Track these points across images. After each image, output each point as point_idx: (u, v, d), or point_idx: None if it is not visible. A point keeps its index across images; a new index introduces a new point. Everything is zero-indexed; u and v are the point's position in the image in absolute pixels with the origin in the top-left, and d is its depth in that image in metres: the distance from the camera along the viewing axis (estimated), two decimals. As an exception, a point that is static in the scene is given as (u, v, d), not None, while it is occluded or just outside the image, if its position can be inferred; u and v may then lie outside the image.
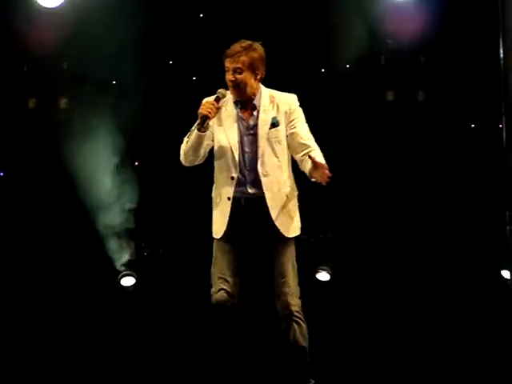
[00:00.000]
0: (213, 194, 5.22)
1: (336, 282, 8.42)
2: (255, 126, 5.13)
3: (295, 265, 5.17)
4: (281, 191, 5.11)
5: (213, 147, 5.15)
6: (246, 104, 5.15)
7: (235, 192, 5.10)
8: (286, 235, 5.10)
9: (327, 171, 4.84)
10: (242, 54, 5.04)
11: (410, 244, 8.33)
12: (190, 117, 5.07)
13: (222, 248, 5.13)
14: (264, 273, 5.16)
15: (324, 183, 4.87)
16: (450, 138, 8.43)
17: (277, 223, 5.07)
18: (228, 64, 5.07)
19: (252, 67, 5.06)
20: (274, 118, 5.13)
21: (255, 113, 5.14)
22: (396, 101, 8.65)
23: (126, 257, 8.35)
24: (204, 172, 5.29)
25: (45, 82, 8.40)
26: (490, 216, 8.24)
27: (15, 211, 8.42)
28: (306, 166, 5.00)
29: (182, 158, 5.14)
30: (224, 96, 5.10)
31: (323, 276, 8.47)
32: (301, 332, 5.09)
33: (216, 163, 5.19)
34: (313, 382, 5.15)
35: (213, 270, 5.14)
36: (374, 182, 8.35)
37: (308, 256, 8.50)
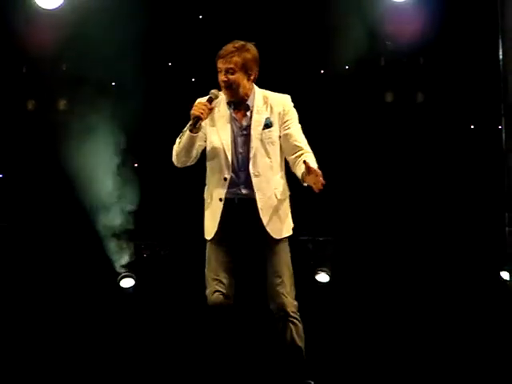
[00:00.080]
0: (205, 195, 5.21)
1: (335, 284, 8.42)
2: (248, 126, 5.10)
3: (290, 265, 5.15)
4: (272, 192, 5.09)
5: (205, 148, 5.14)
6: (239, 105, 5.12)
7: (228, 193, 5.08)
8: (278, 238, 5.09)
9: (321, 178, 4.81)
10: (235, 55, 5.01)
11: (409, 245, 8.33)
12: (189, 118, 5.07)
13: (214, 249, 5.12)
14: (258, 273, 5.14)
15: (317, 190, 4.83)
16: (450, 140, 8.42)
17: (268, 228, 5.05)
18: (220, 65, 5.05)
19: (245, 68, 5.04)
20: (267, 119, 5.11)
21: (248, 113, 5.11)
22: (395, 102, 8.65)
23: (125, 258, 8.35)
24: (203, 173, 5.28)
25: (44, 83, 8.40)
26: (490, 217, 8.24)
27: (15, 213, 8.40)
28: (299, 170, 4.97)
29: (174, 158, 5.12)
30: (217, 97, 5.08)
31: (322, 277, 8.47)
32: (297, 332, 5.07)
33: (208, 164, 5.17)
34: (312, 383, 5.14)
35: (207, 271, 5.13)
36: (373, 183, 8.34)
37: (308, 258, 8.51)
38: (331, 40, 7.97)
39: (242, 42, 5.07)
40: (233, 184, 5.08)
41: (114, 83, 8.34)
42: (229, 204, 5.08)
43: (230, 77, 5.03)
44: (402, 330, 7.48)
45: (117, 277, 8.32)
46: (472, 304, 7.91)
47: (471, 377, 6.19)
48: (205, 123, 5.06)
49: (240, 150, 5.10)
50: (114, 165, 8.11)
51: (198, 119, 4.96)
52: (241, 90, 5.07)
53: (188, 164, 5.12)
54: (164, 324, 7.68)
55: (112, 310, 8.04)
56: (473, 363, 6.45)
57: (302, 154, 5.03)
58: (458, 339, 7.14)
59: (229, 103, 5.12)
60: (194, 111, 4.97)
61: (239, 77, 5.04)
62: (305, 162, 4.84)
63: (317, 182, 4.80)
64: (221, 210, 5.07)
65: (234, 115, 5.12)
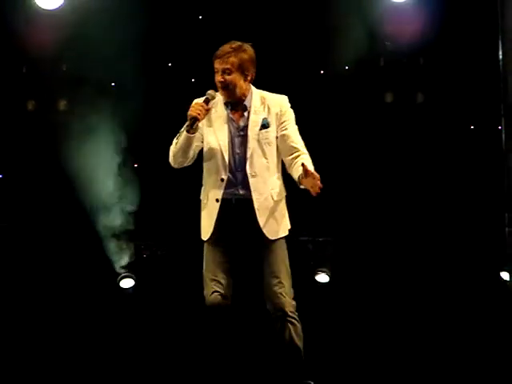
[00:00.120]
0: (201, 196, 5.21)
1: (335, 284, 8.42)
2: (245, 127, 5.10)
3: (288, 265, 5.14)
4: (269, 193, 5.09)
5: (202, 149, 5.14)
6: (236, 105, 5.12)
7: (225, 194, 5.08)
8: (272, 238, 5.09)
9: (319, 182, 4.80)
10: (232, 55, 5.01)
11: (409, 246, 8.33)
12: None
13: (211, 250, 5.12)
14: (256, 273, 5.14)
15: (314, 194, 4.82)
16: (450, 140, 8.42)
17: (264, 229, 5.05)
18: (217, 65, 5.05)
19: (241, 68, 5.03)
20: (264, 119, 5.10)
21: (246, 114, 5.11)
22: (395, 103, 8.64)
23: (125, 259, 8.35)
24: (202, 174, 5.28)
25: (44, 83, 8.40)
26: (490, 218, 8.24)
27: (15, 213, 8.40)
28: (295, 172, 4.98)
29: (170, 159, 5.12)
30: (213, 97, 5.07)
31: (322, 278, 8.47)
32: (296, 332, 5.07)
33: (205, 165, 5.17)
34: (312, 383, 5.14)
35: (204, 272, 5.13)
36: (373, 184, 8.34)
37: (307, 258, 8.51)
38: (331, 40, 7.97)
39: (239, 43, 5.07)
40: (230, 184, 5.08)
41: (113, 84, 8.34)
42: (226, 204, 5.08)
43: (227, 77, 5.03)
44: (402, 330, 7.48)
45: (117, 277, 8.32)
46: (472, 304, 7.91)
47: (471, 377, 6.19)
48: (202, 124, 5.06)
49: (237, 151, 5.10)
50: (113, 165, 8.11)
51: (195, 120, 4.96)
52: (237, 91, 5.06)
53: (185, 165, 5.12)
54: (164, 324, 7.68)
55: (112, 310, 8.04)
56: (473, 363, 6.45)
57: (298, 156, 5.03)
58: (458, 339, 7.14)
59: (226, 104, 5.12)
60: (191, 112, 4.97)
61: (236, 77, 5.04)
62: (303, 164, 4.84)
63: (314, 185, 4.80)
64: (217, 210, 5.07)
65: (231, 116, 5.12)
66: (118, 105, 8.02)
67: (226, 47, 5.05)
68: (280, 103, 5.16)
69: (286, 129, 5.11)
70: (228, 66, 5.01)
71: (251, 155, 5.07)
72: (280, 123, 5.11)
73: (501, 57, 7.83)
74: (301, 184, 4.91)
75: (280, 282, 5.06)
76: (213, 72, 5.09)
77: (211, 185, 5.12)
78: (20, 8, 8.02)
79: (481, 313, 7.74)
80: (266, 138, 5.09)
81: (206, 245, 5.15)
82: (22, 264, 8.21)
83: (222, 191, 5.07)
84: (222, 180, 5.07)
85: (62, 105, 8.46)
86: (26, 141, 8.35)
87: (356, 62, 8.17)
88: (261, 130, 5.08)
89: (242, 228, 5.08)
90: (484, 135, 8.43)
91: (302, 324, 5.12)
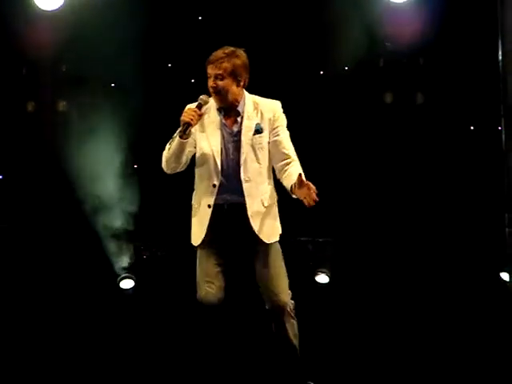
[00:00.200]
0: (193, 201, 5.21)
1: (335, 285, 8.42)
2: (239, 132, 5.10)
3: (284, 266, 5.16)
4: (260, 198, 5.09)
5: (195, 154, 5.14)
6: (229, 111, 5.13)
7: (217, 199, 5.08)
8: (267, 242, 5.09)
9: (314, 194, 4.78)
10: (224, 61, 5.02)
11: (409, 246, 8.32)
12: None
13: (204, 254, 5.13)
14: (252, 275, 5.15)
15: (307, 205, 4.81)
16: (450, 141, 8.42)
17: (259, 234, 5.06)
18: (210, 70, 5.05)
19: (234, 74, 5.04)
20: (257, 125, 5.11)
21: (239, 119, 5.12)
22: (395, 103, 8.64)
23: (125, 260, 8.35)
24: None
25: (44, 84, 8.40)
26: (490, 218, 8.24)
27: (15, 214, 8.40)
28: (287, 180, 4.98)
29: (163, 164, 5.13)
30: (206, 102, 5.08)
31: (322, 279, 8.47)
32: (293, 331, 5.11)
33: (197, 170, 5.17)
34: None
35: (198, 275, 5.15)
36: (373, 184, 8.34)
37: (307, 259, 8.51)
38: (330, 41, 7.97)
39: (232, 48, 5.08)
40: (222, 190, 5.09)
41: (113, 84, 8.34)
42: (217, 210, 5.09)
43: (219, 83, 5.03)
44: (402, 330, 7.48)
45: (116, 278, 8.32)
46: (472, 305, 7.91)
47: (471, 377, 6.19)
48: (194, 129, 5.06)
49: (231, 156, 5.10)
50: (113, 166, 8.11)
51: (188, 125, 4.96)
52: (230, 96, 5.07)
53: (178, 170, 5.13)
54: (164, 325, 7.68)
55: (112, 311, 8.04)
56: (473, 364, 6.45)
57: (289, 163, 5.05)
58: (458, 340, 7.14)
59: (219, 109, 5.13)
60: (184, 117, 4.97)
61: (228, 83, 5.04)
62: (300, 174, 4.84)
63: (308, 196, 4.78)
64: (209, 216, 5.08)
65: (224, 121, 5.13)
66: (118, 106, 8.02)
67: (219, 52, 5.05)
68: (273, 108, 5.16)
69: (278, 134, 5.11)
70: (220, 72, 5.02)
71: (245, 160, 5.07)
72: (272, 129, 5.12)
73: (500, 57, 7.84)
74: (293, 193, 4.91)
75: (278, 283, 5.08)
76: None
77: (203, 190, 5.13)
78: (20, 9, 8.02)
79: (481, 313, 7.74)
80: (260, 143, 5.10)
81: (198, 250, 5.17)
82: (22, 265, 8.21)
83: (213, 197, 5.08)
84: (214, 186, 5.08)
85: (62, 106, 8.46)
86: (26, 142, 8.35)
87: (356, 62, 8.17)
88: (254, 135, 5.09)
89: (235, 232, 5.09)
90: (484, 136, 8.42)
91: (301, 325, 5.14)
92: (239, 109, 5.12)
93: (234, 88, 5.07)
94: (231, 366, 5.35)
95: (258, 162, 5.10)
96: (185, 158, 5.08)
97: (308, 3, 8.13)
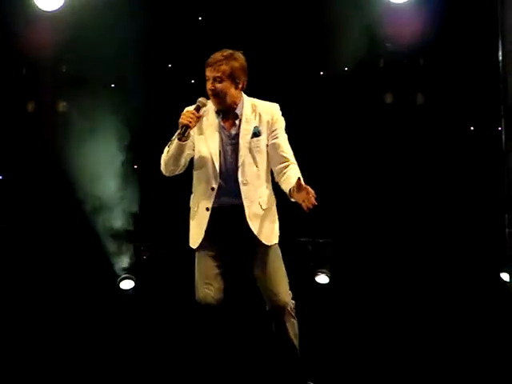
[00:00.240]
0: (191, 204, 5.21)
1: (335, 285, 8.42)
2: (237, 135, 5.10)
3: (283, 266, 5.16)
4: (257, 201, 5.09)
5: (193, 157, 5.14)
6: (227, 113, 5.12)
7: (215, 202, 5.08)
8: (266, 243, 5.09)
9: (313, 199, 4.78)
10: (223, 63, 5.01)
11: (409, 247, 8.32)
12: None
13: (203, 256, 5.12)
14: (252, 277, 5.15)
15: (306, 209, 4.80)
16: (450, 141, 8.41)
17: (258, 236, 5.05)
18: (208, 73, 5.05)
19: (232, 76, 5.03)
20: (255, 128, 5.10)
21: (237, 122, 5.11)
22: (395, 104, 8.64)
23: (125, 260, 8.34)
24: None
25: (44, 84, 8.40)
26: (490, 219, 8.24)
27: (14, 215, 8.40)
28: (285, 183, 4.98)
29: (162, 167, 5.12)
30: (204, 105, 5.08)
31: (322, 279, 8.47)
32: (293, 331, 5.11)
33: (195, 173, 5.17)
34: (311, 384, 5.17)
35: (196, 276, 5.14)
36: (373, 185, 8.34)
37: (307, 259, 8.51)
38: (331, 41, 7.97)
39: (231, 51, 5.08)
40: (220, 193, 5.09)
41: (113, 85, 8.34)
42: (216, 213, 5.08)
43: (217, 85, 5.03)
44: (402, 331, 7.48)
45: (116, 279, 8.31)
46: (472, 306, 7.91)
47: (471, 378, 6.19)
48: (193, 132, 5.06)
49: (229, 159, 5.10)
50: (113, 167, 8.11)
51: (187, 128, 4.96)
52: (228, 99, 5.07)
53: (176, 173, 5.12)
54: (164, 326, 7.68)
55: (112, 311, 8.04)
56: (473, 364, 6.46)
57: (288, 166, 5.06)
58: (459, 341, 7.14)
59: (217, 112, 5.13)
60: (182, 120, 4.97)
61: (226, 85, 5.04)
62: (299, 178, 4.83)
63: (307, 200, 4.78)
64: (207, 219, 5.08)
65: (222, 124, 5.13)
66: (118, 106, 8.02)
67: (218, 55, 5.05)
68: (271, 111, 5.16)
69: (276, 137, 5.11)
70: (219, 74, 5.02)
71: (243, 163, 5.07)
72: (271, 131, 5.12)
73: (500, 58, 7.85)
74: (291, 197, 4.90)
75: (277, 284, 5.08)
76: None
77: (201, 193, 5.12)
78: (20, 9, 8.02)
79: (481, 314, 7.74)
80: (257, 147, 5.10)
81: (196, 253, 5.17)
82: (22, 265, 8.21)
83: (212, 200, 5.08)
84: (213, 189, 5.08)
85: (62, 106, 8.46)
86: (26, 142, 8.35)
87: (356, 62, 8.17)
88: (252, 138, 5.09)
89: (233, 234, 5.09)
90: (484, 136, 8.42)
91: (301, 325, 5.14)
92: (237, 111, 5.12)
93: (232, 90, 5.06)
94: (230, 366, 5.34)
95: (256, 165, 5.10)
96: (183, 161, 5.07)
97: (308, 4, 8.13)
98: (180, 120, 4.98)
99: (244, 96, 5.16)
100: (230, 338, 5.31)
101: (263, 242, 5.07)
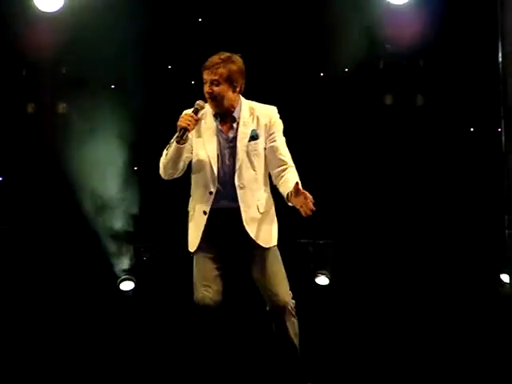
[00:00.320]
0: (189, 208, 5.21)
1: (335, 287, 8.42)
2: (234, 138, 5.09)
3: (282, 266, 5.15)
4: (255, 204, 5.09)
5: (191, 160, 5.14)
6: (225, 116, 5.11)
7: (213, 206, 5.07)
8: (264, 246, 5.09)
9: (311, 204, 4.76)
10: (220, 66, 5.00)
11: (409, 248, 8.32)
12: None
13: (201, 258, 5.12)
14: (250, 278, 5.15)
15: (304, 215, 4.79)
16: (450, 142, 8.42)
17: (256, 239, 5.05)
18: (206, 76, 5.04)
19: (230, 79, 5.02)
20: (253, 131, 5.10)
21: (235, 125, 5.11)
22: (395, 105, 8.64)
23: (125, 261, 8.34)
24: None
25: (44, 86, 8.40)
26: (490, 220, 8.24)
27: (15, 216, 8.40)
28: (283, 187, 4.97)
29: (161, 171, 5.12)
30: (202, 107, 5.07)
31: (322, 280, 8.47)
32: (293, 330, 5.11)
33: (193, 177, 5.16)
34: (310, 385, 5.17)
35: (195, 278, 5.13)
36: (373, 186, 8.35)
37: (308, 260, 8.51)
38: (331, 43, 7.97)
39: (228, 54, 5.07)
40: (218, 197, 5.08)
41: (113, 86, 8.34)
42: (213, 215, 5.07)
43: (215, 88, 5.02)
44: (402, 332, 7.48)
45: (116, 280, 8.31)
46: (472, 307, 7.91)
47: (471, 378, 6.19)
48: (191, 135, 5.05)
49: (227, 163, 5.10)
50: (113, 168, 8.12)
51: (185, 130, 4.95)
52: (225, 102, 5.06)
53: (175, 176, 5.11)
54: (163, 327, 7.68)
55: (112, 313, 8.04)
56: (473, 366, 6.45)
57: (286, 169, 5.05)
58: (459, 342, 7.14)
59: (215, 115, 5.12)
60: (181, 123, 4.97)
61: (224, 88, 5.03)
62: (297, 183, 4.83)
63: (305, 205, 4.77)
64: (204, 223, 5.07)
65: (220, 127, 5.12)
66: (118, 107, 8.02)
67: (215, 58, 5.05)
68: (269, 114, 5.15)
69: (274, 140, 5.10)
70: (216, 77, 5.01)
71: (240, 167, 5.06)
72: (269, 134, 5.11)
73: (500, 59, 7.85)
74: (289, 201, 4.91)
75: (277, 284, 5.07)
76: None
77: (199, 197, 5.12)
78: (20, 11, 8.02)
79: (481, 315, 7.74)
80: (255, 150, 5.09)
81: (194, 256, 5.16)
82: (22, 267, 8.21)
83: (210, 204, 5.07)
84: (211, 193, 5.08)
85: (62, 108, 8.46)
86: (26, 144, 8.35)
87: (356, 64, 8.18)
88: (250, 141, 5.08)
89: (231, 237, 5.09)
90: (484, 137, 8.42)
91: (301, 326, 5.15)
92: (235, 114, 5.11)
93: (229, 94, 5.06)
94: (229, 367, 5.34)
95: (254, 169, 5.09)
96: (182, 164, 5.07)
97: (308, 5, 8.13)
98: (178, 123, 4.98)
99: (242, 99, 5.16)
100: (229, 340, 5.31)
101: (261, 244, 5.07)
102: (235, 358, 5.49)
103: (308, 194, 4.78)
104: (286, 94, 7.48)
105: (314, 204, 4.74)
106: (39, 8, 7.97)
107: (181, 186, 5.38)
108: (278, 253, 5.14)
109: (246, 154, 5.07)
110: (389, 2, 8.16)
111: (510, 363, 6.39)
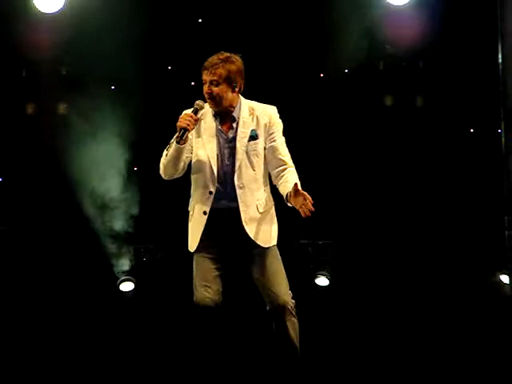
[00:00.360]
0: (189, 208, 5.21)
1: (335, 288, 8.42)
2: (234, 138, 5.10)
3: (282, 266, 5.15)
4: (255, 204, 5.09)
5: (191, 160, 5.14)
6: (225, 116, 5.12)
7: (213, 206, 5.08)
8: (264, 246, 5.10)
9: (310, 205, 4.76)
10: (219, 67, 5.01)
11: (409, 249, 8.33)
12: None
13: (201, 259, 5.12)
14: (250, 278, 5.15)
15: (303, 215, 4.79)
16: (449, 143, 8.42)
17: (255, 239, 5.06)
18: (205, 76, 5.05)
19: (229, 79, 5.03)
20: (253, 131, 5.11)
21: (234, 125, 5.12)
22: (395, 106, 8.65)
23: (125, 262, 8.34)
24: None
25: (44, 87, 8.40)
26: (489, 221, 8.24)
27: (14, 217, 8.40)
28: (283, 188, 4.98)
29: (161, 171, 5.12)
30: (202, 107, 5.08)
31: (322, 281, 8.47)
32: (294, 329, 5.12)
33: (193, 177, 5.17)
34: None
35: (194, 278, 5.14)
36: (373, 187, 8.35)
37: (307, 261, 8.51)
38: (331, 44, 7.98)
39: (227, 54, 5.07)
40: (218, 196, 5.09)
41: (113, 87, 8.34)
42: (213, 215, 5.08)
43: (214, 88, 5.03)
44: (402, 333, 7.48)
45: (116, 281, 8.31)
46: (472, 307, 7.91)
47: (471, 378, 6.19)
48: (191, 135, 5.06)
49: (227, 162, 5.10)
50: (113, 169, 8.12)
51: (185, 131, 4.96)
52: (225, 102, 5.07)
53: (175, 176, 5.12)
54: (163, 327, 7.68)
55: (111, 313, 8.04)
56: (473, 366, 6.46)
57: (285, 169, 5.06)
58: (458, 342, 7.14)
59: (215, 115, 5.12)
60: (181, 123, 4.97)
61: (223, 88, 5.04)
62: (296, 184, 4.83)
63: (304, 206, 4.77)
64: (204, 223, 5.08)
65: (219, 127, 5.13)
66: (118, 108, 8.03)
67: (214, 58, 5.05)
68: (269, 114, 5.16)
69: (274, 140, 5.11)
70: (215, 78, 5.01)
71: (239, 167, 5.07)
72: (268, 134, 5.12)
73: (500, 60, 7.83)
74: (288, 202, 4.90)
75: (277, 283, 5.08)
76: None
77: (199, 197, 5.12)
78: (20, 11, 8.02)
79: (480, 316, 7.74)
80: (254, 150, 5.10)
81: (195, 255, 5.17)
82: (21, 267, 8.21)
83: (209, 204, 5.08)
84: (211, 193, 5.08)
85: (62, 108, 8.47)
86: (26, 144, 8.35)
87: (356, 65, 8.18)
88: (249, 141, 5.09)
89: (231, 237, 5.09)
90: (484, 138, 8.43)
91: (301, 327, 5.15)
92: (234, 114, 5.12)
93: (229, 94, 5.06)
94: (229, 367, 5.34)
95: (253, 169, 5.10)
96: (182, 164, 5.07)
97: (308, 6, 8.14)
98: (178, 123, 4.98)
99: (241, 99, 5.16)
100: (229, 340, 5.30)
101: (260, 244, 5.07)
102: (235, 358, 5.48)
103: (307, 195, 4.78)
104: (286, 95, 7.48)
105: (313, 205, 4.75)
106: (39, 9, 7.96)
107: (181, 187, 5.38)
108: (277, 252, 5.14)
109: (246, 154, 5.08)
110: (389, 3, 8.16)
111: (510, 363, 6.39)
